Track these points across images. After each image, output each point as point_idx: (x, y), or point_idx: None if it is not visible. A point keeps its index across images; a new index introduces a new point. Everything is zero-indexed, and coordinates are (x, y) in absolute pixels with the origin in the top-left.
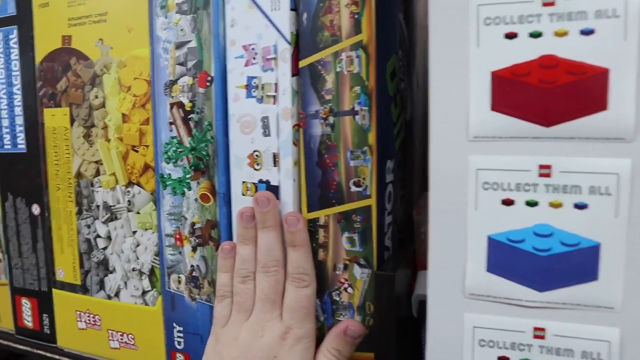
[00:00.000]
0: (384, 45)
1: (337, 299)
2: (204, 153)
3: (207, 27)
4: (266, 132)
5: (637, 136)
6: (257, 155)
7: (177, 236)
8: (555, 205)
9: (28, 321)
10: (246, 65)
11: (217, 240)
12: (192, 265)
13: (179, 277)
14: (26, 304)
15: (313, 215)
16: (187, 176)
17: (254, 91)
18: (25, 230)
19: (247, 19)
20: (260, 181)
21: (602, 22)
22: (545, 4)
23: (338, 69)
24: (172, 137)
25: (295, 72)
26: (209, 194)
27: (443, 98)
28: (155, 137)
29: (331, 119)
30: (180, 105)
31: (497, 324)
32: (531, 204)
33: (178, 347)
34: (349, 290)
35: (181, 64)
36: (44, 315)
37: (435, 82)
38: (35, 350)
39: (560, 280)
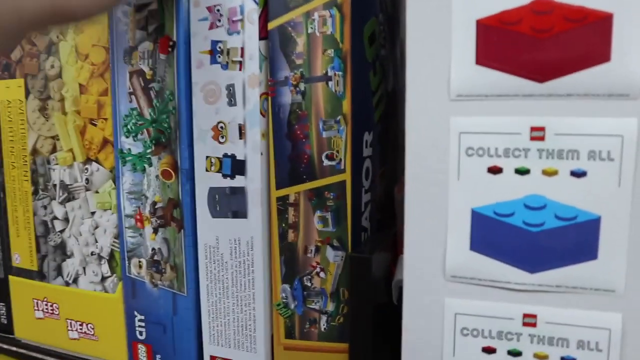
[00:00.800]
0: (361, 6)
1: (309, 284)
2: (165, 125)
3: None
4: (232, 102)
5: None
6: (221, 127)
7: (138, 217)
8: (549, 173)
9: None
10: (210, 28)
11: (179, 220)
12: (153, 249)
13: (139, 262)
14: None
15: (282, 192)
16: (148, 151)
17: (219, 57)
18: None
19: None
20: (225, 155)
21: None
22: None
23: (310, 31)
24: (132, 109)
25: (264, 35)
26: (170, 170)
27: (421, 51)
28: (115, 109)
29: (302, 86)
30: (141, 73)
31: (482, 310)
32: (522, 171)
33: (140, 337)
34: (322, 274)
35: (142, 29)
36: (0, 304)
37: (412, 32)
38: None
39: (554, 260)
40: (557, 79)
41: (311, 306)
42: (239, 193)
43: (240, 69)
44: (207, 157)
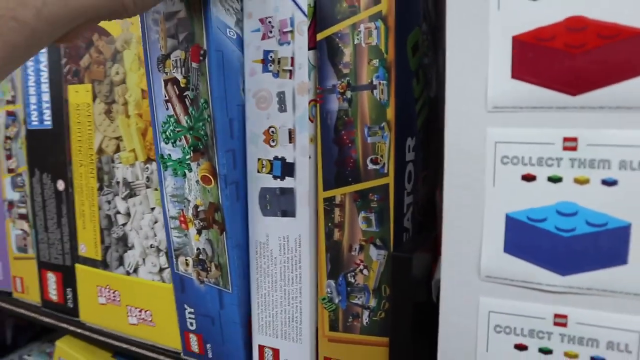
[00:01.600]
0: (405, 17)
1: (352, 280)
2: (201, 133)
3: None
4: (282, 108)
5: None
6: (272, 132)
7: (182, 218)
8: (581, 182)
9: (53, 295)
10: (262, 39)
11: (221, 223)
12: (198, 248)
13: (186, 260)
14: (51, 278)
15: (329, 193)
16: (187, 157)
17: (270, 65)
18: (51, 205)
19: None
20: (276, 158)
21: None
22: None
23: (356, 42)
24: (169, 116)
25: (313, 45)
26: (209, 176)
27: (460, 65)
28: (152, 115)
29: (348, 94)
30: (175, 81)
31: (515, 309)
32: (554, 179)
33: (191, 327)
34: (365, 272)
35: (172, 37)
36: (68, 289)
37: (452, 47)
38: (60, 324)
39: (585, 264)
40: (589, 92)
41: (354, 301)
42: (288, 193)
43: (290, 77)
44: (258, 159)
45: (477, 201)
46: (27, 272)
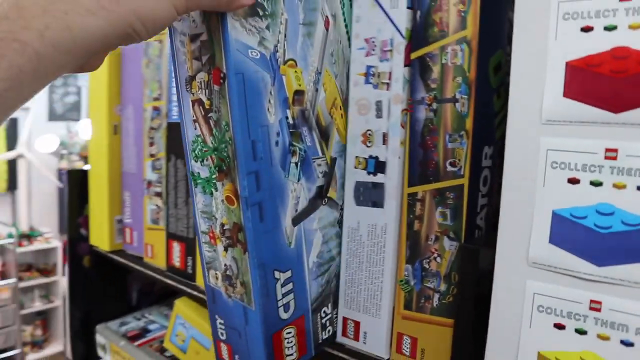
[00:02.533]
0: (488, 41)
1: (427, 266)
2: (224, 154)
3: (216, 19)
4: (379, 114)
5: None
6: (369, 134)
7: (211, 234)
8: (619, 187)
9: (177, 261)
10: (366, 55)
11: (244, 243)
12: (225, 264)
13: (216, 274)
14: (176, 247)
15: (412, 190)
16: (213, 176)
17: (371, 78)
18: (182, 186)
19: (369, 15)
20: (370, 157)
21: None
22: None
23: (444, 61)
24: (197, 136)
25: (407, 63)
26: (232, 197)
27: (521, 85)
28: (183, 134)
29: (434, 105)
30: (200, 102)
31: (556, 293)
32: (595, 184)
33: (222, 337)
34: (438, 259)
35: (197, 59)
36: (189, 257)
37: (515, 69)
38: (179, 286)
39: (618, 257)
40: (629, 110)
41: (427, 285)
42: (379, 188)
43: (387, 89)
44: (356, 157)
45: (529, 199)
46: (157, 241)
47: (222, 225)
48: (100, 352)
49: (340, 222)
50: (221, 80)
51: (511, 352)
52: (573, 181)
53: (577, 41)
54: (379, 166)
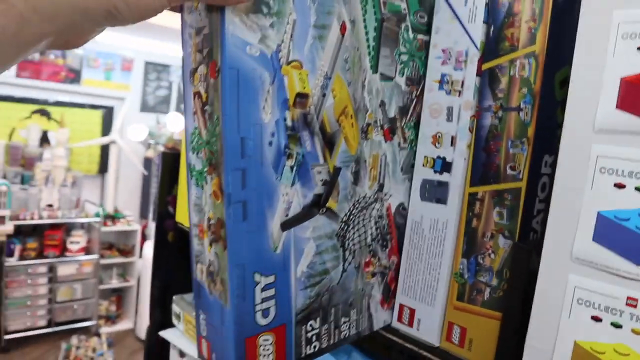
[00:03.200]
0: (555, 56)
1: (481, 261)
2: (214, 148)
3: (216, 13)
4: (449, 118)
5: None
6: (439, 136)
7: (200, 228)
8: None
9: None
10: (442, 64)
11: (225, 240)
12: (209, 260)
13: (201, 268)
14: None
15: (473, 189)
16: (205, 169)
17: (445, 85)
18: None
19: (448, 27)
20: (438, 157)
21: None
22: None
23: (512, 73)
24: (195, 128)
25: (479, 73)
26: (218, 192)
27: (579, 95)
28: (185, 126)
29: (500, 113)
30: (199, 95)
31: (595, 288)
32: None
33: (203, 333)
34: (492, 256)
35: (200, 52)
36: None
37: (574, 80)
38: None
39: None
40: None
41: (480, 279)
42: (444, 186)
43: (459, 96)
44: (425, 156)
45: (577, 199)
46: None
47: (209, 219)
48: (174, 320)
49: (338, 235)
50: (216, 74)
51: (550, 340)
52: (619, 186)
53: (632, 59)
54: (446, 166)
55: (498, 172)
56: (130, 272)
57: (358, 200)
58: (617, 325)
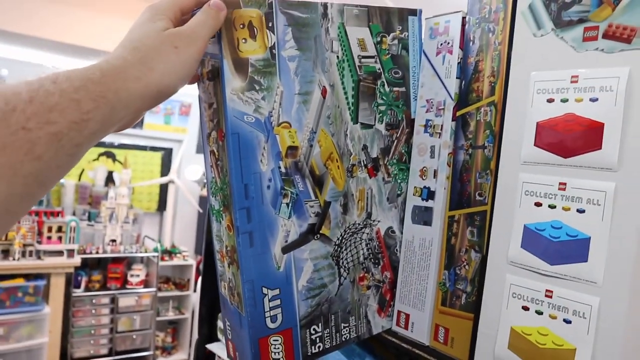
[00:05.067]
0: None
1: (459, 272)
2: (226, 193)
3: (220, 93)
4: (432, 155)
5: (620, 168)
6: (425, 170)
7: (221, 253)
8: (566, 209)
9: None
10: (426, 112)
11: (238, 262)
12: (229, 278)
13: (224, 285)
14: None
15: (452, 213)
16: (221, 209)
17: (429, 129)
18: None
19: (430, 83)
20: (425, 187)
21: (604, 94)
22: (572, 82)
23: (478, 118)
24: (212, 177)
25: (454, 118)
26: (230, 226)
27: (510, 136)
28: (207, 176)
29: (470, 150)
30: (213, 153)
31: (524, 284)
32: (551, 207)
33: (229, 337)
34: (466, 267)
35: (212, 120)
36: None
37: (507, 126)
38: None
39: (564, 259)
40: (574, 156)
41: (458, 286)
42: (429, 211)
43: (439, 137)
44: (414, 187)
45: (510, 215)
46: None
47: (226, 247)
48: (219, 335)
49: (333, 256)
50: (223, 138)
51: (494, 327)
52: (538, 204)
53: (543, 109)
54: (430, 194)
55: (469, 198)
56: (185, 305)
57: (349, 226)
58: (539, 313)
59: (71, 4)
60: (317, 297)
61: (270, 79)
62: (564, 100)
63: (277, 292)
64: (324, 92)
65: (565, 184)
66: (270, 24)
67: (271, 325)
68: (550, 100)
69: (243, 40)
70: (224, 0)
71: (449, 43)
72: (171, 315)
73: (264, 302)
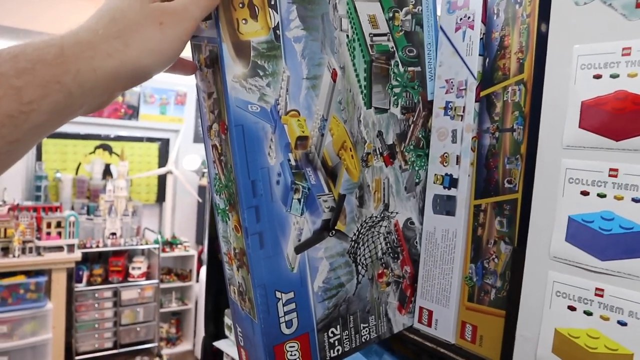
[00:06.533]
0: (542, 82)
1: (487, 265)
2: (232, 191)
3: (220, 81)
4: (454, 140)
5: None
6: (446, 156)
7: (229, 255)
8: (618, 198)
9: None
10: (446, 93)
11: (248, 265)
12: (239, 282)
13: (234, 289)
14: None
15: (477, 202)
16: (227, 208)
17: (449, 111)
18: None
19: (449, 61)
20: (446, 174)
21: None
22: (623, 55)
23: (505, 99)
24: (216, 174)
25: (477, 99)
26: (238, 226)
27: (549, 117)
28: (209, 172)
29: (497, 134)
30: (215, 147)
31: (570, 281)
32: (601, 195)
33: (241, 343)
34: (495, 260)
35: (212, 112)
36: None
37: (545, 106)
38: None
39: (617, 254)
40: (627, 139)
41: (486, 281)
42: (452, 200)
43: (461, 120)
44: (435, 174)
45: (552, 205)
46: None
47: (234, 249)
48: (227, 332)
49: (350, 253)
50: (226, 131)
51: (535, 329)
52: (584, 193)
53: (589, 86)
54: (453, 182)
55: (497, 186)
56: (188, 295)
57: (365, 220)
58: (588, 313)
59: None
60: (335, 298)
61: (275, 63)
62: (614, 76)
63: (291, 295)
64: (334, 75)
65: (617, 170)
66: (272, 2)
67: (286, 331)
68: (597, 76)
69: (243, 21)
70: None
71: (469, 17)
72: (174, 306)
73: (278, 307)
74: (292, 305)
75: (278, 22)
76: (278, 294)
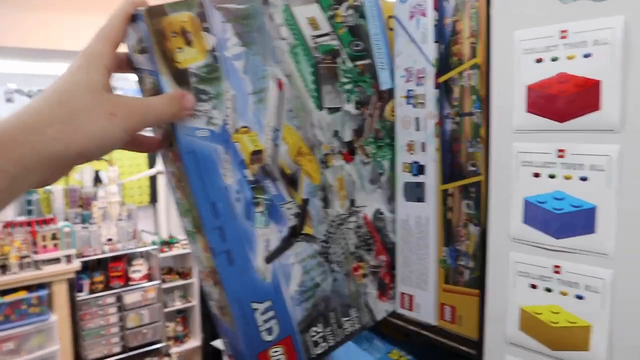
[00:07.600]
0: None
1: (459, 248)
2: (195, 214)
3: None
4: (417, 128)
5: (622, 128)
6: (412, 144)
7: (205, 274)
8: (568, 178)
9: None
10: (406, 82)
11: (220, 283)
12: (216, 298)
13: (214, 304)
14: None
15: (445, 187)
16: (193, 231)
17: (411, 100)
18: None
19: (407, 50)
20: (414, 162)
21: (598, 48)
22: (561, 37)
23: (462, 83)
24: (179, 198)
25: (436, 86)
26: (206, 247)
27: (498, 102)
28: (174, 196)
29: (457, 119)
30: (174, 173)
31: (529, 260)
32: (552, 176)
33: (229, 353)
34: (467, 242)
35: (164, 141)
36: None
37: (493, 91)
38: None
39: (570, 231)
40: (571, 120)
41: (460, 263)
42: (421, 186)
43: (423, 107)
44: (403, 162)
45: (507, 189)
46: None
47: (206, 267)
48: None
49: (321, 253)
50: (179, 159)
51: (502, 308)
52: (536, 175)
53: (533, 70)
54: (420, 169)
55: (462, 170)
56: (191, 292)
57: (333, 219)
58: (549, 290)
59: (30, 9)
60: (312, 299)
61: (217, 84)
62: (555, 59)
63: (268, 304)
64: (280, 86)
65: (564, 150)
66: (205, 25)
67: (268, 338)
68: (539, 60)
69: (178, 50)
70: (148, 10)
71: (421, 5)
72: (178, 304)
73: (256, 317)
74: (271, 313)
75: (214, 44)
76: (254, 305)
